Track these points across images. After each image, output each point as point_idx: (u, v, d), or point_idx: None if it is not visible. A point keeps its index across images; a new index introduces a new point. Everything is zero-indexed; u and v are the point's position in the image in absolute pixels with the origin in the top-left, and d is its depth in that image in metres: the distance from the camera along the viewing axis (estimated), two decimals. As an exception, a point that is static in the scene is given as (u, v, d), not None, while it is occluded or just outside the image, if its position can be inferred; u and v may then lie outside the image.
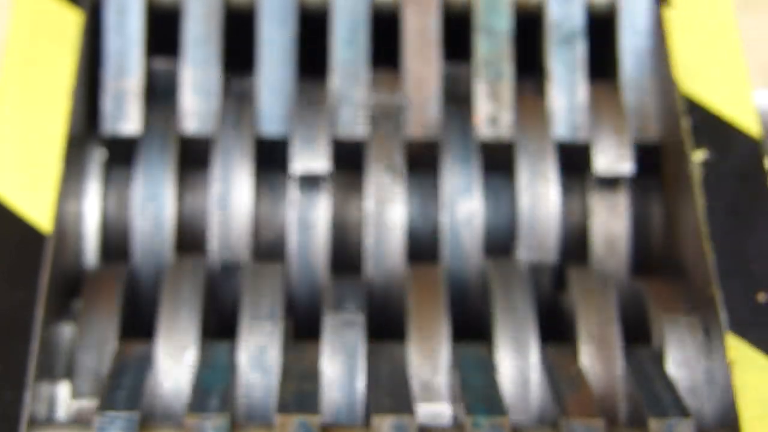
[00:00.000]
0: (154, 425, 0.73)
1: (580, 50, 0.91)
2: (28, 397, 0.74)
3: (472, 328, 0.85)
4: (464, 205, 0.86)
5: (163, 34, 0.92)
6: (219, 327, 0.84)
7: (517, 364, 0.79)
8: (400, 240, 0.85)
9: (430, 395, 0.78)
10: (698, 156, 0.83)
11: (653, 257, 0.89)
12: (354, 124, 0.89)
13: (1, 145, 0.83)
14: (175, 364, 0.78)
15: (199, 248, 0.88)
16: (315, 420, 0.72)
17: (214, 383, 0.76)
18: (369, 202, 0.85)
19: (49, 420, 0.77)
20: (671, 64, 0.87)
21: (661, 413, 0.73)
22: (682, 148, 0.85)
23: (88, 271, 0.86)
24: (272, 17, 0.91)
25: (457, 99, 0.91)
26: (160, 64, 0.92)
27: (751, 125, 0.85)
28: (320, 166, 0.85)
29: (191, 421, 0.72)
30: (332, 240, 0.87)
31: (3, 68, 0.85)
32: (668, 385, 0.76)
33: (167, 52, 0.92)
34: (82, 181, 0.88)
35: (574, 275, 0.83)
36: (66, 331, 0.81)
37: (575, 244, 0.88)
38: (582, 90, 0.90)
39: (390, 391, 0.75)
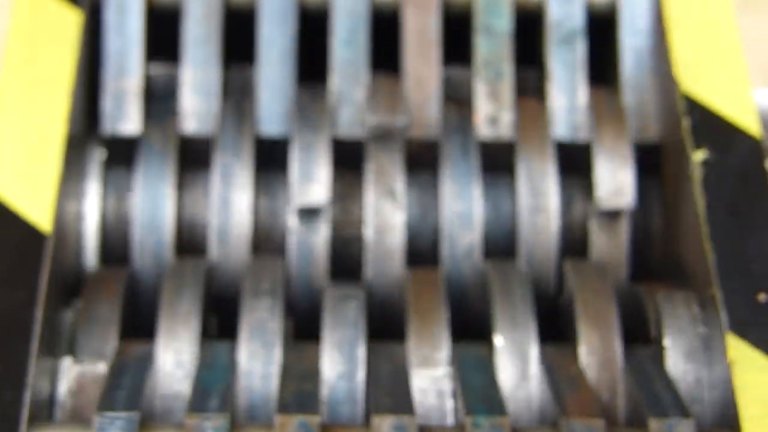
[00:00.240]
0: (153, 425, 0.73)
1: (580, 50, 0.91)
2: (28, 397, 0.74)
3: (472, 329, 0.85)
4: (464, 205, 0.86)
5: (163, 34, 0.92)
6: (219, 327, 0.85)
7: (517, 364, 0.79)
8: (399, 241, 0.85)
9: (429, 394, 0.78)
10: (698, 156, 0.83)
11: (653, 257, 0.89)
12: (354, 124, 0.89)
13: (1, 145, 0.83)
14: (175, 364, 0.78)
15: (199, 248, 0.88)
16: (315, 420, 0.72)
17: (214, 383, 0.76)
18: (368, 230, 0.85)
19: (49, 419, 0.78)
20: (671, 64, 0.87)
21: (662, 413, 0.73)
22: (682, 147, 0.85)
23: (89, 270, 0.86)
24: (272, 17, 0.91)
25: (457, 99, 0.91)
26: (160, 65, 0.92)
27: (751, 125, 0.84)
28: (320, 197, 0.85)
29: (191, 421, 0.72)
30: (332, 240, 0.87)
31: (3, 68, 0.85)
32: (668, 385, 0.76)
33: (167, 52, 0.92)
34: (82, 181, 0.88)
35: (571, 270, 0.83)
36: (66, 331, 0.81)
37: (575, 244, 0.88)
38: (582, 90, 0.90)
39: (390, 391, 0.75)
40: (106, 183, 0.89)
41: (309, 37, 0.91)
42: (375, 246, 0.85)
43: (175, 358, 0.78)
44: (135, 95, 0.89)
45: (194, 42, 0.90)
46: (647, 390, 0.75)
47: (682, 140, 0.84)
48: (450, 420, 0.78)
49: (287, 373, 0.77)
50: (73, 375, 0.78)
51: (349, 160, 0.88)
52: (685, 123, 0.85)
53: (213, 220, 0.86)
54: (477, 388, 0.76)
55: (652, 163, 0.89)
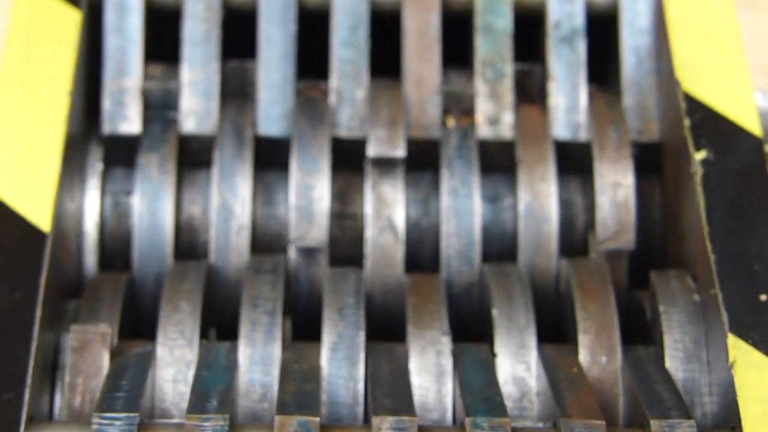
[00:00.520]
0: (153, 426, 0.73)
1: (580, 50, 0.90)
2: (27, 396, 0.74)
3: (471, 329, 0.85)
4: (464, 204, 0.86)
5: (163, 35, 0.92)
6: (219, 327, 0.84)
7: (517, 364, 0.79)
8: (399, 242, 0.85)
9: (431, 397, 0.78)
10: (699, 155, 0.83)
11: (654, 256, 0.89)
12: (354, 124, 0.89)
13: (0, 145, 0.83)
14: (175, 364, 0.78)
15: (199, 248, 0.87)
16: (315, 420, 0.71)
17: (214, 384, 0.75)
18: (367, 262, 0.85)
19: (49, 418, 0.78)
20: (672, 64, 0.87)
21: (663, 414, 0.73)
22: (682, 147, 0.84)
23: (88, 269, 0.86)
24: (272, 17, 0.90)
25: (457, 99, 0.91)
26: (160, 65, 0.92)
27: (751, 124, 0.84)
28: (318, 241, 0.85)
29: (191, 421, 0.71)
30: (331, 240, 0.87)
31: (3, 68, 0.85)
32: (669, 385, 0.76)
33: (166, 53, 0.92)
34: (81, 180, 0.88)
35: (571, 270, 0.83)
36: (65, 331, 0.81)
37: (575, 243, 0.88)
38: (582, 90, 0.90)
39: (390, 391, 0.75)
40: (106, 183, 0.89)
41: (309, 37, 0.91)
42: (374, 241, 0.85)
43: (174, 358, 0.78)
44: (135, 95, 0.89)
45: (194, 42, 0.90)
46: (647, 390, 0.75)
47: (683, 139, 0.84)
48: (450, 420, 0.78)
49: (287, 373, 0.77)
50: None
51: (349, 160, 0.88)
52: (686, 122, 0.85)
53: (213, 219, 0.86)
54: (477, 388, 0.76)
55: (653, 162, 0.89)
